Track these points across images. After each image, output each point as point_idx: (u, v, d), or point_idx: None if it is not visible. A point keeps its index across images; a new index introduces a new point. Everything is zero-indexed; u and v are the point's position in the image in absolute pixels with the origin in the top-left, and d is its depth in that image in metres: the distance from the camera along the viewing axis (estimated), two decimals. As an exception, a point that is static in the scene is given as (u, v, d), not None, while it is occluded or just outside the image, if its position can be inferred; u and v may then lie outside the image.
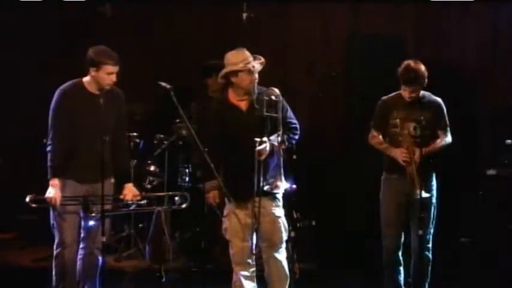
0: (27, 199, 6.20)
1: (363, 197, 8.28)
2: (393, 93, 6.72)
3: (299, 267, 6.72)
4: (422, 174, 6.43)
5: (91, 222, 6.21)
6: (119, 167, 6.38)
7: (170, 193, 6.88)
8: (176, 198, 6.66)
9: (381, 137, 6.70)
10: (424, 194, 6.43)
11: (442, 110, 6.67)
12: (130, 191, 6.39)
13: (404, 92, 6.59)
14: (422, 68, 6.55)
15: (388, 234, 6.67)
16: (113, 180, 6.38)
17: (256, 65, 6.23)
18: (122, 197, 6.37)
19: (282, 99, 6.24)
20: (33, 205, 6.21)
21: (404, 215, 6.63)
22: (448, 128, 6.68)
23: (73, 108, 6.23)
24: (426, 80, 6.55)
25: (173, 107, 6.20)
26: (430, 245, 6.62)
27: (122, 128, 6.44)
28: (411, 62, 6.58)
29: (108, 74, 6.22)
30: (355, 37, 9.13)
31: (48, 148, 6.25)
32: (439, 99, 6.69)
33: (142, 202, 6.48)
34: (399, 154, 6.54)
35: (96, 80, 6.23)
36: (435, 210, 6.63)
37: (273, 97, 6.23)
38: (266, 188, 6.19)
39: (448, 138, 6.67)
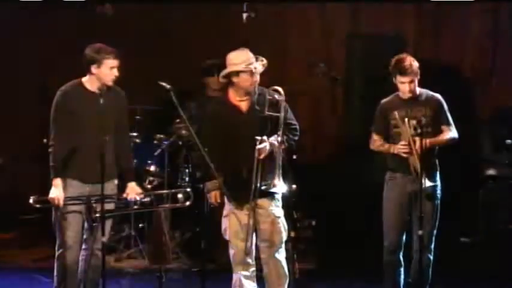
0: (31, 200, 6.15)
1: (362, 197, 8.28)
2: (391, 96, 6.64)
3: (299, 267, 6.72)
4: (425, 165, 6.34)
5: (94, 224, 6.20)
6: (121, 167, 6.36)
7: (173, 190, 6.87)
8: (180, 195, 6.64)
9: (382, 140, 6.65)
10: (428, 183, 6.37)
11: (442, 105, 6.57)
12: (133, 190, 6.37)
13: (402, 86, 6.48)
14: (415, 61, 6.48)
15: (390, 233, 6.62)
16: (116, 182, 6.37)
17: (258, 66, 6.22)
18: (125, 195, 6.36)
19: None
20: (37, 206, 6.16)
21: (407, 215, 6.61)
22: (453, 124, 6.57)
23: (74, 108, 6.20)
24: (418, 75, 6.49)
25: (173, 107, 6.20)
26: (432, 246, 6.58)
27: (123, 127, 6.40)
28: (402, 55, 6.55)
29: (110, 69, 6.20)
30: (355, 37, 9.13)
31: (50, 148, 6.23)
32: (438, 95, 6.60)
33: (146, 200, 6.47)
34: (399, 148, 6.46)
35: (98, 77, 6.20)
36: (438, 211, 6.58)
37: (276, 96, 6.23)
38: (264, 187, 6.19)
39: (453, 134, 6.56)
